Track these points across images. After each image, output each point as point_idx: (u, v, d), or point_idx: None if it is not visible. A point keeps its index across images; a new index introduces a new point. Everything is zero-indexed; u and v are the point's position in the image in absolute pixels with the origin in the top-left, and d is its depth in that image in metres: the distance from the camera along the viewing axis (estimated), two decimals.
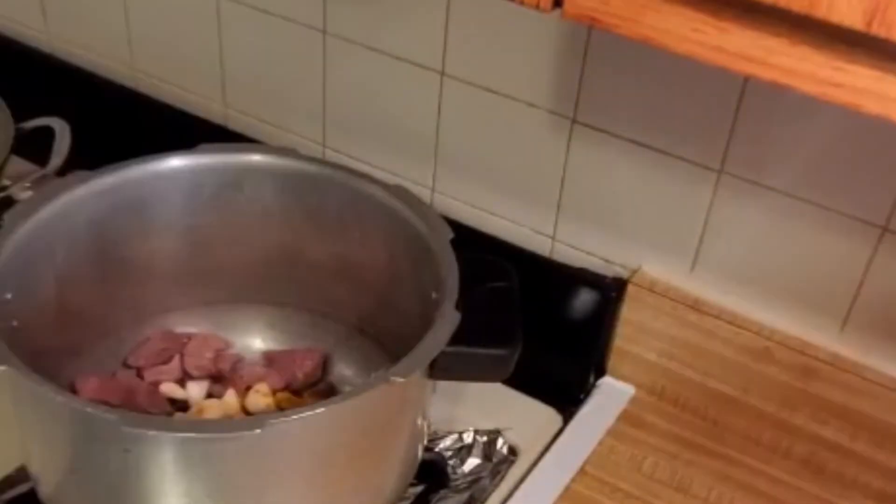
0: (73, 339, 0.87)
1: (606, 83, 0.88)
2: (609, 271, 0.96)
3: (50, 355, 0.80)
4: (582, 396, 0.98)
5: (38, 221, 0.82)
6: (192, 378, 0.92)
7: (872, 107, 0.50)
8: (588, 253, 0.97)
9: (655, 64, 0.85)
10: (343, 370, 0.95)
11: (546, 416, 0.96)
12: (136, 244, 0.89)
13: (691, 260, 0.92)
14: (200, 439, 0.70)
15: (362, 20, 0.98)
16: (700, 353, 0.93)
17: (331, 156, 1.07)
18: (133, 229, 0.89)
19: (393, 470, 0.82)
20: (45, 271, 0.83)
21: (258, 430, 0.67)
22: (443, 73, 0.96)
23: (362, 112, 1.03)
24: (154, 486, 0.72)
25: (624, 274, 0.95)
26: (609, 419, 0.96)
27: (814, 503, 0.89)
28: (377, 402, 0.74)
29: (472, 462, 0.91)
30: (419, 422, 0.82)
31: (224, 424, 0.80)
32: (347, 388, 0.93)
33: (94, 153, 0.90)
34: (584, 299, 0.96)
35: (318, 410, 0.70)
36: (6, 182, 0.96)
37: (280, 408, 0.90)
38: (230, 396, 0.90)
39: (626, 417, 0.96)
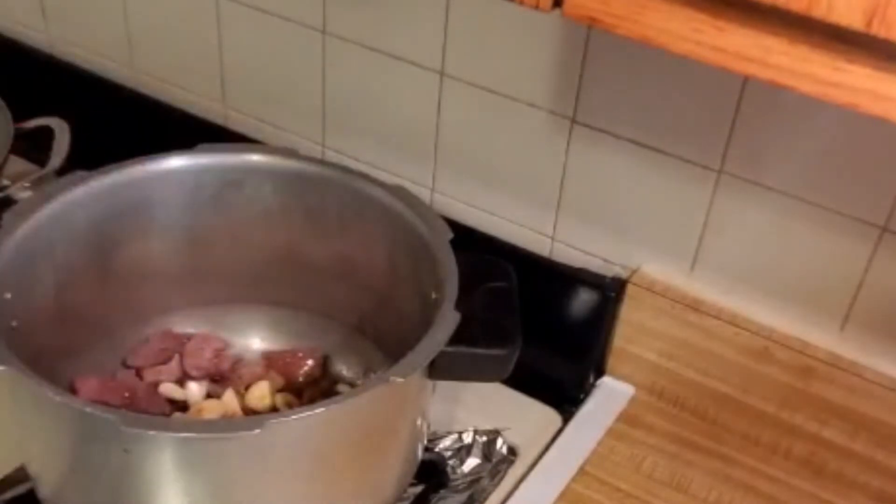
0: (73, 339, 0.87)
1: (606, 83, 0.88)
2: (608, 271, 0.96)
3: (49, 355, 0.80)
4: (582, 396, 0.98)
5: (37, 221, 0.82)
6: (191, 378, 0.92)
7: (871, 106, 0.50)
8: (587, 253, 0.97)
9: (655, 64, 0.85)
10: (343, 370, 0.95)
11: (546, 416, 0.96)
12: (135, 244, 0.89)
13: (691, 260, 0.92)
14: (200, 439, 0.70)
15: (362, 20, 0.98)
16: (700, 353, 0.93)
17: (330, 156, 1.07)
18: (133, 229, 0.89)
19: (392, 470, 0.82)
20: (44, 271, 0.83)
21: (258, 430, 0.67)
22: (443, 73, 0.96)
23: (362, 112, 1.03)
24: (154, 486, 0.72)
25: (623, 274, 0.95)
26: (609, 419, 0.96)
27: (813, 503, 0.90)
28: (377, 402, 0.74)
29: (472, 462, 0.91)
30: (419, 422, 0.82)
31: (224, 424, 0.80)
32: (347, 388, 0.93)
33: (94, 153, 0.90)
34: (584, 299, 0.96)
35: (317, 410, 0.70)
36: (6, 182, 0.97)
37: (280, 408, 0.90)
38: (229, 396, 0.90)
39: (625, 417, 0.96)
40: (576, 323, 0.97)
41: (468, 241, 0.90)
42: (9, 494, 0.84)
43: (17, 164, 1.02)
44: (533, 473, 0.90)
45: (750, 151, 0.85)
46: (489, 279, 0.82)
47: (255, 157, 0.90)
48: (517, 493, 0.88)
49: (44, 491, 0.80)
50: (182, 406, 0.91)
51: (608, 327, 0.97)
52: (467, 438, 0.92)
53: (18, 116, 1.02)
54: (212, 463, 0.72)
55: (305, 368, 0.93)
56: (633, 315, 0.95)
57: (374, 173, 0.91)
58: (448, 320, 0.75)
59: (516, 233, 0.99)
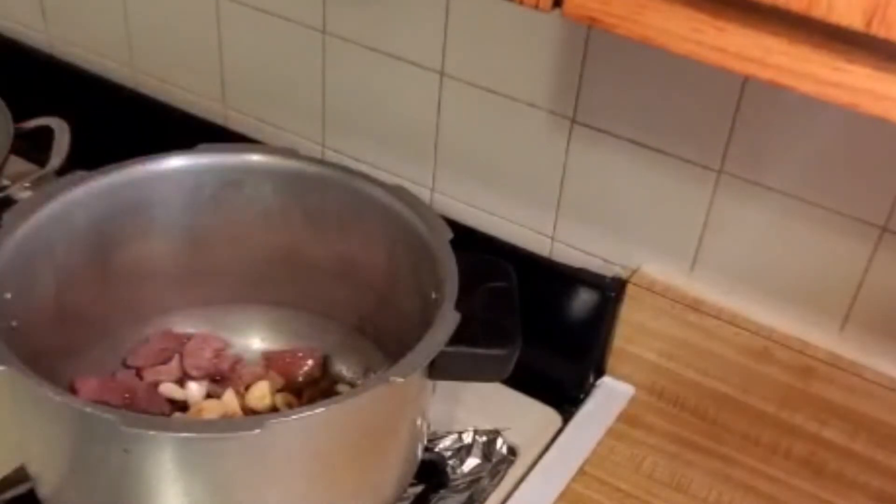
0: (73, 339, 0.87)
1: (606, 83, 0.88)
2: (608, 271, 0.96)
3: (49, 355, 0.80)
4: (581, 396, 0.98)
5: (37, 221, 0.82)
6: (191, 378, 0.92)
7: (871, 107, 0.50)
8: (587, 253, 0.97)
9: (655, 64, 0.85)
10: (343, 370, 0.95)
11: (546, 416, 0.96)
12: (135, 244, 0.89)
13: (691, 260, 0.92)
14: (200, 439, 0.70)
15: (362, 20, 0.98)
16: (700, 353, 0.93)
17: (330, 156, 1.07)
18: (133, 229, 0.89)
19: (392, 470, 0.82)
20: (44, 271, 0.83)
21: (258, 430, 0.67)
22: (443, 73, 0.96)
23: (362, 112, 1.03)
24: (154, 486, 0.72)
25: (623, 274, 0.95)
26: (609, 419, 0.96)
27: (813, 503, 0.90)
28: (377, 402, 0.74)
29: (472, 462, 0.91)
30: (419, 422, 0.82)
31: (223, 424, 0.80)
32: (347, 388, 0.93)
33: (94, 153, 0.90)
34: (584, 299, 0.96)
35: (317, 410, 0.70)
36: (6, 182, 0.97)
37: (280, 408, 0.90)
38: (229, 396, 0.90)
39: (625, 417, 0.96)
40: (576, 323, 0.97)
41: (468, 241, 0.90)
42: (9, 494, 0.84)
43: (17, 164, 1.01)
44: (533, 473, 0.90)
45: (750, 151, 0.85)
46: (489, 279, 0.82)
47: (255, 157, 0.90)
48: (517, 493, 0.88)
49: (44, 491, 0.80)
50: (182, 406, 0.91)
51: (608, 327, 0.97)
52: (467, 438, 0.92)
53: (18, 116, 1.02)
54: (212, 463, 0.72)
55: (305, 368, 0.93)
56: (633, 315, 0.95)
57: (374, 173, 0.91)
58: (448, 320, 0.75)
59: (516, 233, 0.99)
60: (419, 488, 0.88)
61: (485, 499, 0.88)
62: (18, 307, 0.78)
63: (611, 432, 0.95)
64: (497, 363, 0.78)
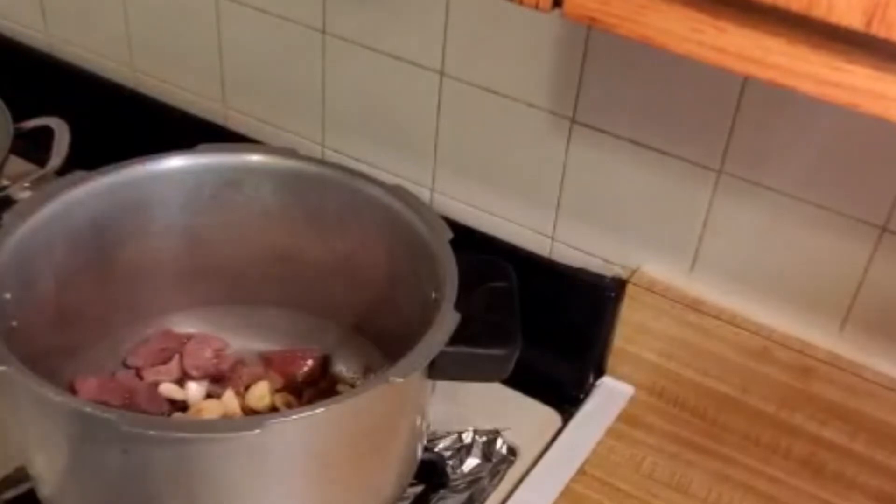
0: (73, 339, 0.87)
1: (606, 83, 0.88)
2: (608, 271, 0.96)
3: (49, 355, 0.80)
4: (581, 396, 0.98)
5: (37, 221, 0.82)
6: (191, 378, 0.92)
7: (871, 107, 0.50)
8: (587, 253, 0.97)
9: (655, 64, 0.85)
10: (343, 370, 0.95)
11: (545, 416, 0.96)
12: (135, 244, 0.89)
13: (690, 260, 0.92)
14: (200, 439, 0.70)
15: (362, 20, 0.98)
16: (699, 353, 0.93)
17: (330, 156, 1.07)
18: (133, 229, 0.89)
19: (392, 470, 0.82)
20: (44, 271, 0.83)
21: (258, 430, 0.67)
22: (442, 73, 0.96)
23: (362, 112, 1.03)
24: (153, 486, 0.72)
25: (623, 274, 0.95)
26: (608, 419, 0.96)
27: (813, 503, 0.90)
28: (377, 402, 0.74)
29: (472, 462, 0.91)
30: (418, 422, 0.82)
31: (223, 424, 0.80)
32: (347, 388, 0.93)
33: (94, 153, 0.90)
34: (584, 299, 0.96)
35: (317, 410, 0.70)
36: (6, 182, 0.96)
37: (279, 408, 0.90)
38: (229, 396, 0.90)
39: (625, 417, 0.96)
40: (576, 323, 0.97)
41: (468, 241, 0.90)
42: (9, 494, 0.84)
43: (17, 164, 1.01)
44: (533, 473, 0.90)
45: (750, 151, 0.85)
46: (489, 279, 0.82)
47: (255, 157, 0.91)
48: (517, 493, 0.88)
49: (44, 491, 0.80)
50: (182, 406, 0.91)
51: (608, 327, 0.97)
52: (467, 438, 0.92)
53: (18, 116, 1.02)
54: (211, 463, 0.72)
55: (305, 368, 0.93)
56: (633, 315, 0.95)
57: (373, 173, 0.91)
58: (448, 320, 0.75)
59: (516, 233, 0.99)
60: (419, 488, 0.88)
61: (485, 499, 0.88)
62: (18, 307, 0.78)
63: (611, 432, 0.95)
64: (497, 363, 0.78)
